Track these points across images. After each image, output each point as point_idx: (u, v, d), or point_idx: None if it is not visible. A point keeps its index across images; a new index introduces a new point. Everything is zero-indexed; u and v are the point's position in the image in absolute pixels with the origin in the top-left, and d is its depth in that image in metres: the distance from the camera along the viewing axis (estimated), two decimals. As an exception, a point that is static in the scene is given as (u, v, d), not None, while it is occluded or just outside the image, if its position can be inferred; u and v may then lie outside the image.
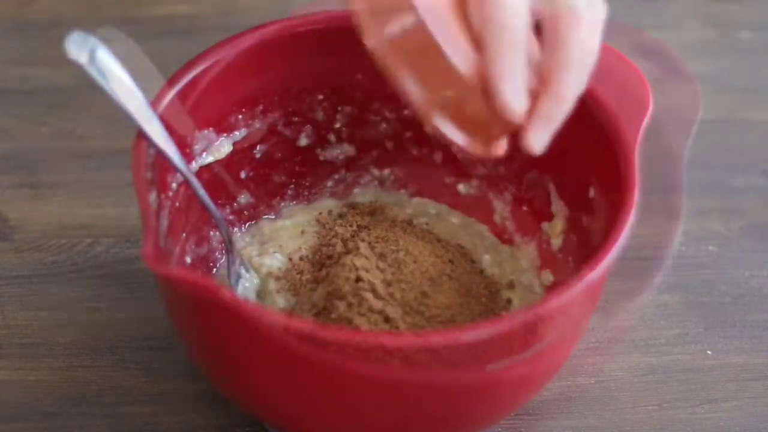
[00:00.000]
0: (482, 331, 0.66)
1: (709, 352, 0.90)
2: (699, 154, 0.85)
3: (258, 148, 0.88)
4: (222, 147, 0.85)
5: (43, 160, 1.02)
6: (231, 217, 0.89)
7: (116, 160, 1.00)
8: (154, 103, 0.77)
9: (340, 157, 0.92)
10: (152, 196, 0.76)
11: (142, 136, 0.74)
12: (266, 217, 0.91)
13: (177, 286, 0.67)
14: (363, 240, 0.86)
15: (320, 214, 0.91)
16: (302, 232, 0.90)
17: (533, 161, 0.87)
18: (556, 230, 0.86)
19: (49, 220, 0.96)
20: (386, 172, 0.93)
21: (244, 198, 0.89)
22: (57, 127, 1.05)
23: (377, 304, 0.79)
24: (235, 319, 0.66)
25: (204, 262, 0.87)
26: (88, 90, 1.06)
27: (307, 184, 0.92)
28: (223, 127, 0.84)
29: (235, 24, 0.89)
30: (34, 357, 0.86)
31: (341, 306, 0.79)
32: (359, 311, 0.79)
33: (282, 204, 0.92)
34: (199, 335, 0.73)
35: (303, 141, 0.90)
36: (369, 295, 0.79)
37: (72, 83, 1.08)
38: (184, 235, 0.84)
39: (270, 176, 0.90)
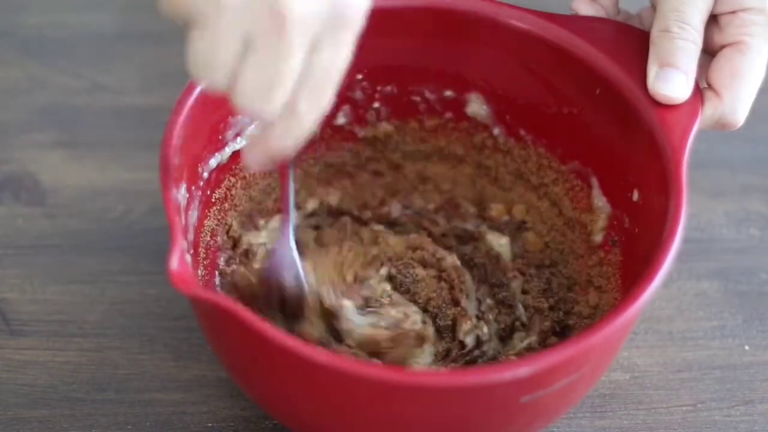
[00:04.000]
0: (521, 370, 0.60)
1: (746, 348, 0.84)
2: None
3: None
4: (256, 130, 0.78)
5: (77, 116, 0.95)
6: None
7: (151, 118, 0.93)
8: (187, 93, 0.70)
9: (379, 135, 0.85)
10: (182, 191, 0.70)
11: (168, 139, 0.68)
12: None
13: (204, 306, 0.62)
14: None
15: None
16: None
17: (575, 151, 0.80)
18: (597, 226, 0.79)
19: (82, 183, 0.90)
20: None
21: None
22: (92, 79, 0.98)
23: None
24: (262, 343, 0.61)
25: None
26: (124, 39, 1.02)
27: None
28: (259, 109, 0.77)
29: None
30: (62, 336, 0.81)
31: None
32: None
33: None
34: (229, 350, 0.68)
35: (340, 120, 0.83)
36: None
37: (108, 31, 1.01)
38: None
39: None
